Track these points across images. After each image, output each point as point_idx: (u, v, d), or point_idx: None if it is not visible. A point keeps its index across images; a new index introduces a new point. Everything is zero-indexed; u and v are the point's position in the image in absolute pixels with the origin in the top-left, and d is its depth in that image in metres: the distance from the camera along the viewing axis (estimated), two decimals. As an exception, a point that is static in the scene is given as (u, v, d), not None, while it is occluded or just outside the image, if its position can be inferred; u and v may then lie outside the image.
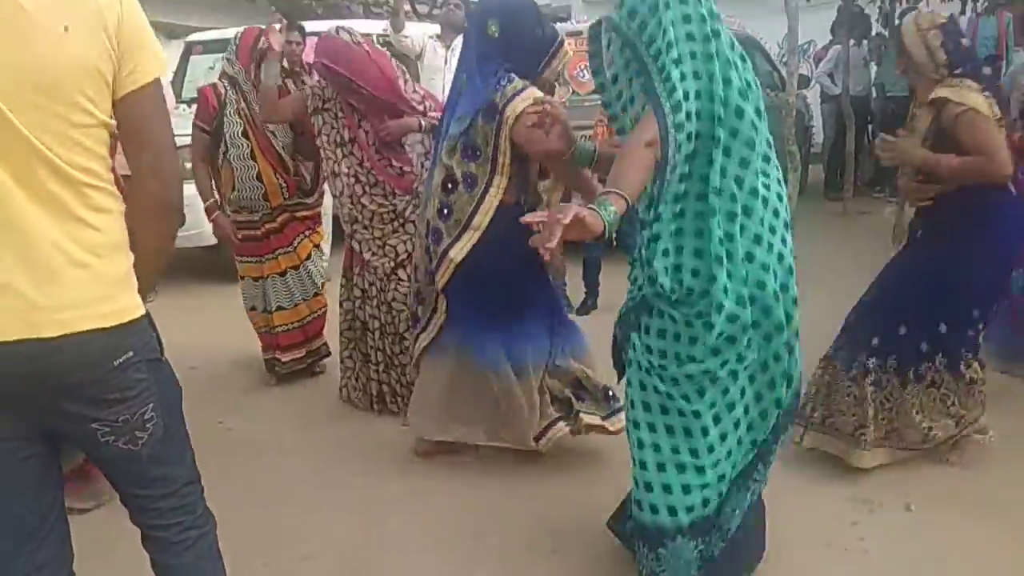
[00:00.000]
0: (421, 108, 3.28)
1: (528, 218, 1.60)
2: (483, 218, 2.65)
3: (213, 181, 3.64)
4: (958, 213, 2.66)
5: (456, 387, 2.85)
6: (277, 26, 3.45)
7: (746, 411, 2.00)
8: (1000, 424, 2.93)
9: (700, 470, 1.95)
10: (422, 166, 3.28)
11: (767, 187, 1.91)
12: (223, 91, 3.54)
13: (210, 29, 7.73)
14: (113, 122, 1.33)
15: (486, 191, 2.65)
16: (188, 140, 3.54)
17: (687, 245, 1.88)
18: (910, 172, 2.81)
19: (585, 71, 6.44)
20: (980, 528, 2.44)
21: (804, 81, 7.51)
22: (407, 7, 5.29)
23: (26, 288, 1.25)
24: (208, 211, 3.59)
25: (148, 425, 1.40)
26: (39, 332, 1.26)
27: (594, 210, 1.62)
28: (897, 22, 8.00)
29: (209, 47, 7.22)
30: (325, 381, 3.88)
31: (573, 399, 2.85)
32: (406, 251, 3.26)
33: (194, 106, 3.80)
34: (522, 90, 2.55)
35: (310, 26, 4.48)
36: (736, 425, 1.98)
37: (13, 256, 1.24)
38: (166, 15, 6.25)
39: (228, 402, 3.65)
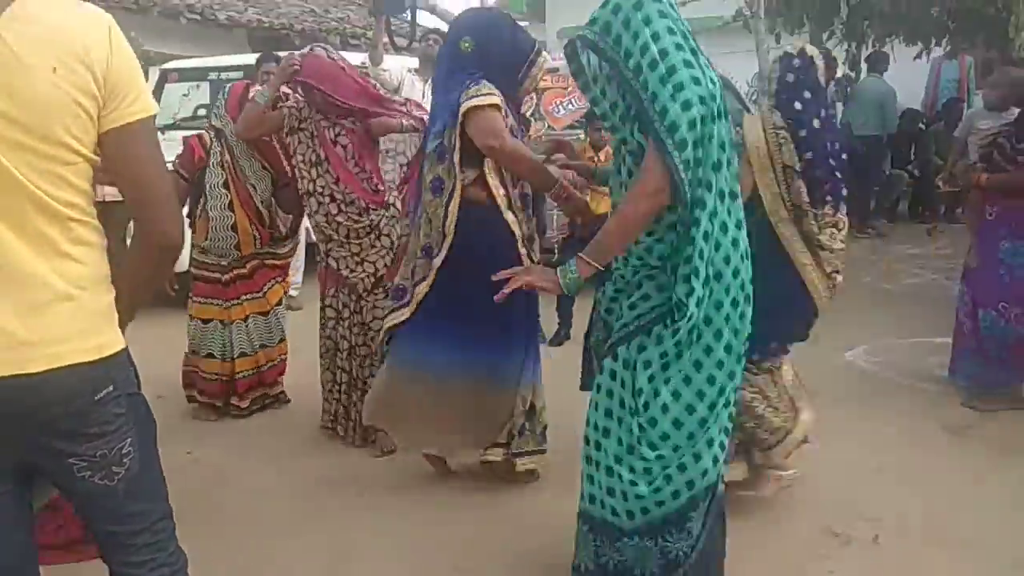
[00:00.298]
0: (404, 109, 3.32)
1: (495, 277, 1.94)
2: (451, 220, 2.68)
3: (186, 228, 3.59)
4: None
5: (429, 399, 2.85)
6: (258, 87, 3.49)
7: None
8: (969, 462, 2.99)
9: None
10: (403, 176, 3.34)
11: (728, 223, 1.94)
12: (209, 141, 3.59)
13: (186, 57, 7.73)
14: (97, 158, 1.33)
15: (451, 195, 2.67)
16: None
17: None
18: None
19: (561, 107, 6.55)
20: (947, 560, 2.48)
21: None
22: (385, 40, 5.32)
23: (12, 324, 1.25)
24: None
25: (125, 460, 1.39)
26: (24, 368, 1.26)
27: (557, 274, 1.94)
28: (863, 64, 8.26)
29: (185, 75, 7.23)
30: (297, 411, 3.84)
31: (517, 434, 2.88)
32: (384, 266, 3.28)
33: (168, 132, 3.80)
34: (485, 94, 2.57)
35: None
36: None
37: (1, 293, 1.24)
38: (143, 43, 6.22)
39: (197, 432, 3.61)
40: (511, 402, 2.86)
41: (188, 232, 3.53)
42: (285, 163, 3.52)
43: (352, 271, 3.29)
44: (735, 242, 1.95)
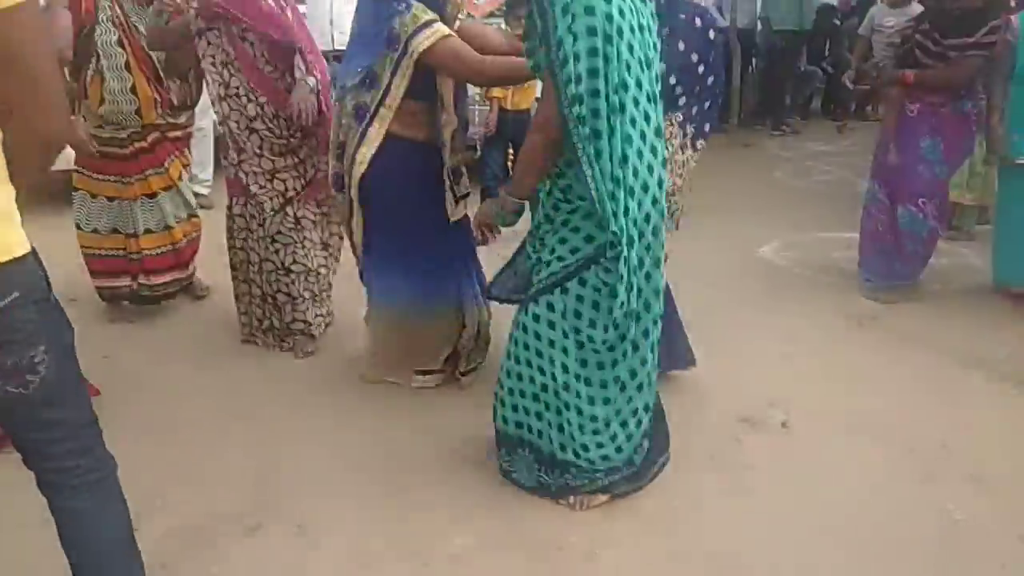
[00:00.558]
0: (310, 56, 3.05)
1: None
2: (367, 149, 2.61)
3: (78, 94, 3.31)
4: None
5: (394, 328, 2.94)
6: None
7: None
8: (872, 350, 3.16)
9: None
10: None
11: (646, 126, 2.01)
12: None
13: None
14: None
15: (371, 121, 2.60)
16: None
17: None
18: None
19: (478, -6, 6.29)
20: (851, 445, 2.66)
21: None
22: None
23: None
24: None
25: (39, 368, 1.33)
26: None
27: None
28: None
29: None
30: (217, 312, 3.74)
31: (463, 353, 2.97)
32: (295, 188, 3.15)
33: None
34: (427, 23, 2.46)
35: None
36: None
37: None
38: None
39: (112, 335, 3.48)
40: (452, 325, 2.91)
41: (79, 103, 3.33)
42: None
43: (261, 187, 3.12)
44: (654, 149, 2.02)
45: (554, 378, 2.17)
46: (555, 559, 2.11)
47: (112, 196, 3.46)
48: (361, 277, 3.02)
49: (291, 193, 3.15)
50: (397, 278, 2.84)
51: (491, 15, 6.16)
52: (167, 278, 3.62)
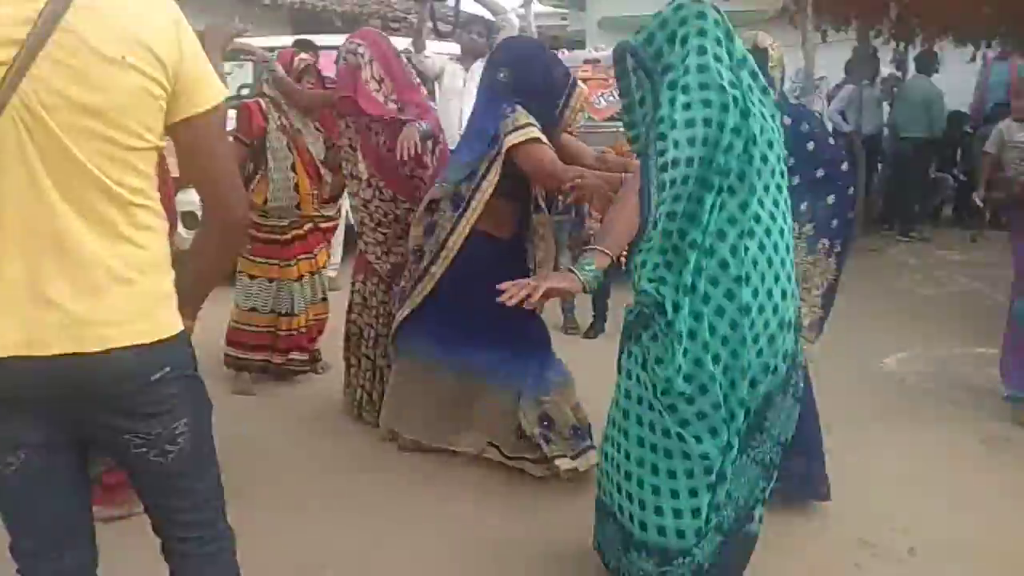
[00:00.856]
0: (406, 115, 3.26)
1: (504, 287, 1.83)
2: (457, 239, 2.76)
3: (255, 181, 3.75)
4: None
5: (429, 392, 3.00)
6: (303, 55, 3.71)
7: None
8: (1007, 477, 2.94)
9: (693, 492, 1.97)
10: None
11: (771, 220, 1.91)
12: (266, 107, 3.68)
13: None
14: (164, 143, 1.36)
15: (463, 213, 2.74)
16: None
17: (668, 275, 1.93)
18: None
19: (602, 98, 6.50)
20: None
21: (817, 117, 7.60)
22: (429, 24, 5.32)
23: (71, 304, 1.28)
24: None
25: (179, 439, 1.43)
26: (82, 347, 1.29)
27: (573, 271, 1.87)
28: (911, 64, 8.10)
29: (227, 55, 7.26)
30: (330, 388, 3.89)
31: (542, 442, 2.88)
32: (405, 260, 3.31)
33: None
34: (523, 126, 2.61)
35: (324, 40, 4.70)
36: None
37: (60, 273, 1.28)
38: (191, 23, 6.27)
39: (236, 406, 3.66)
40: (509, 406, 2.90)
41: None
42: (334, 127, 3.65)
43: (377, 258, 3.37)
44: (762, 246, 1.89)
45: (637, 442, 2.01)
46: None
47: (273, 278, 3.84)
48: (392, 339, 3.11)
49: (403, 263, 3.29)
50: (461, 348, 2.88)
51: (611, 118, 6.35)
52: (299, 355, 3.96)
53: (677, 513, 1.97)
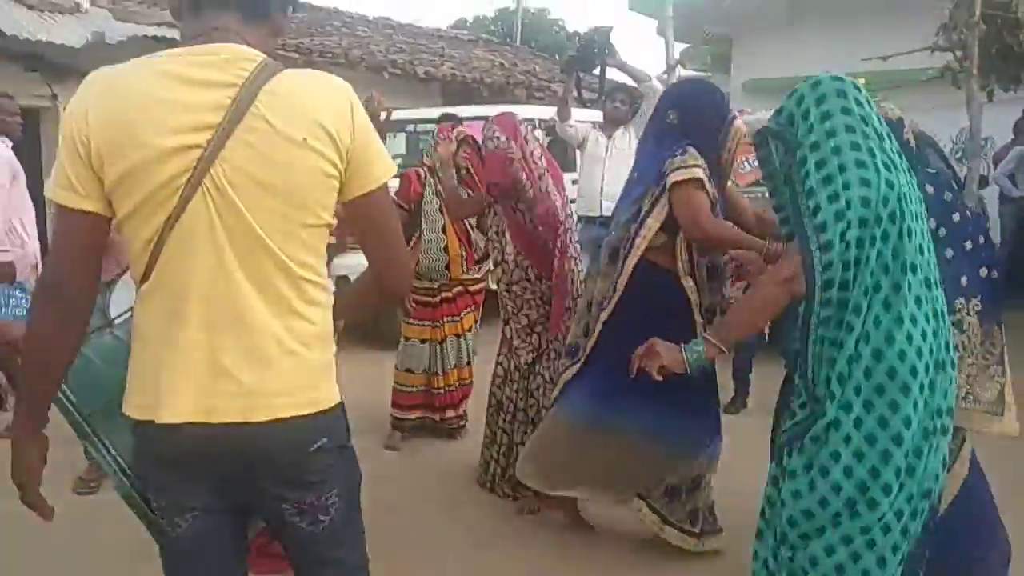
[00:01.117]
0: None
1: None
2: (624, 278, 2.71)
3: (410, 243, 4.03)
4: None
5: (577, 442, 2.85)
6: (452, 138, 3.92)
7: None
8: None
9: None
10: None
11: (920, 317, 1.78)
12: (424, 175, 4.00)
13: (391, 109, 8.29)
14: (334, 221, 1.43)
15: (628, 252, 2.70)
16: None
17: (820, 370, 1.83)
18: None
19: (746, 162, 6.41)
20: None
21: (982, 181, 7.13)
22: (574, 93, 5.46)
23: (245, 374, 1.35)
24: None
25: (331, 509, 1.47)
26: (251, 416, 1.36)
27: (682, 351, 1.96)
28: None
29: (389, 126, 7.75)
30: (469, 452, 3.95)
31: (667, 501, 2.82)
32: (547, 343, 3.34)
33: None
34: (690, 166, 2.59)
35: (471, 111, 5.11)
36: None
37: (236, 344, 1.36)
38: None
39: (378, 468, 3.75)
40: (676, 466, 2.82)
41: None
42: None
43: (522, 340, 3.41)
44: (919, 352, 1.75)
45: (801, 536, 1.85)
46: None
47: (425, 339, 4.07)
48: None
49: (542, 348, 3.35)
50: (615, 395, 2.74)
51: (754, 183, 6.23)
52: (453, 412, 4.15)
53: None
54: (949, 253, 2.30)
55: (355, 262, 3.34)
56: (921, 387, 1.76)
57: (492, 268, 3.57)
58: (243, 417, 1.36)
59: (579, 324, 2.93)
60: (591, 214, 5.38)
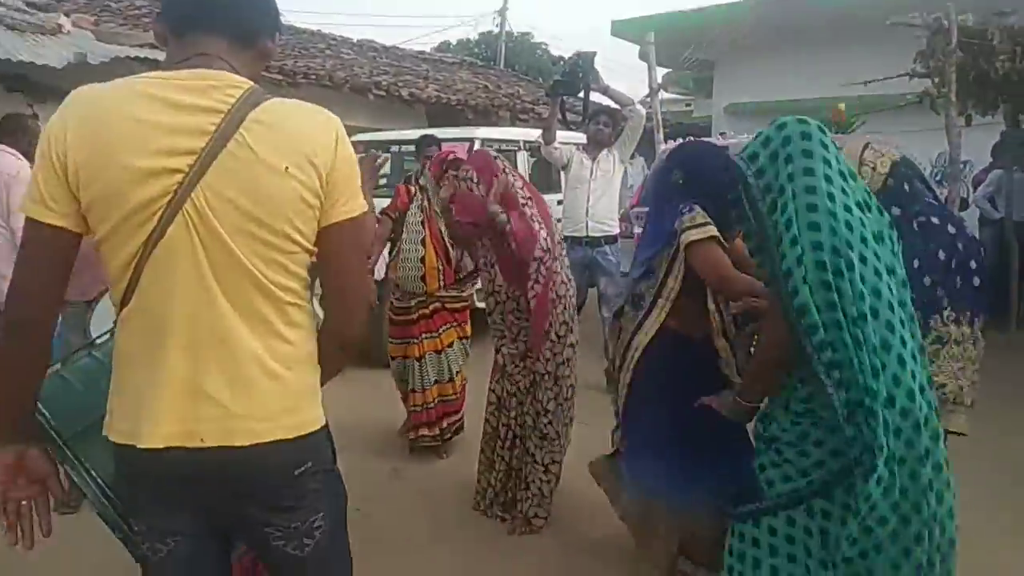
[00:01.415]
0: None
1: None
2: (643, 338, 2.67)
3: (391, 255, 4.30)
4: None
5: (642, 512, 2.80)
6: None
7: None
8: None
9: None
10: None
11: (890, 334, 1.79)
12: (414, 191, 4.13)
13: (372, 130, 8.31)
14: (315, 249, 1.42)
15: (649, 312, 2.68)
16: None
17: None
18: None
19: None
20: None
21: (962, 204, 7.23)
22: (559, 116, 5.50)
23: (225, 398, 1.34)
24: None
25: (316, 532, 1.46)
26: (232, 440, 1.34)
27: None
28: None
29: (368, 147, 7.76)
30: (458, 472, 3.94)
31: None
32: (544, 371, 3.30)
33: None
34: (701, 224, 2.55)
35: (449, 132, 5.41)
36: None
37: (218, 368, 1.34)
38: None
39: (367, 488, 3.73)
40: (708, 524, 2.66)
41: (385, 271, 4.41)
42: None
43: (517, 367, 3.39)
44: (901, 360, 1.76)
45: None
46: None
47: (407, 355, 4.12)
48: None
49: (540, 374, 3.31)
50: (655, 461, 2.68)
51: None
52: (427, 432, 4.11)
53: None
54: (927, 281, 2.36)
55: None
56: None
57: (485, 296, 3.49)
58: (226, 441, 1.34)
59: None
60: (576, 234, 5.41)
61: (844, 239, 1.74)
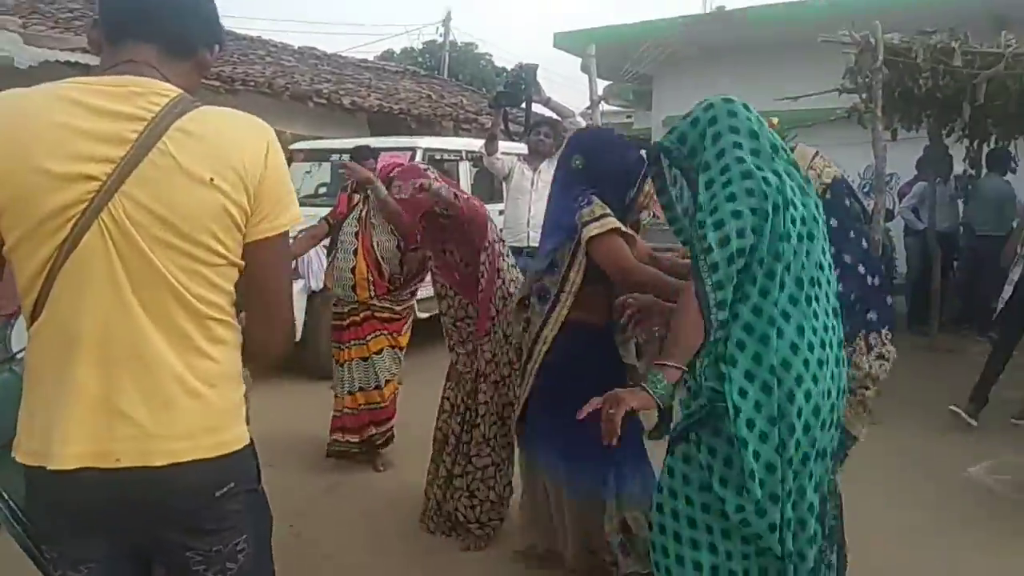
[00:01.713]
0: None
1: (580, 414, 1.85)
2: (549, 332, 2.73)
3: (327, 263, 4.44)
4: None
5: (537, 494, 2.94)
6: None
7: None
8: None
9: None
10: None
11: (820, 317, 1.88)
12: (357, 200, 4.16)
13: (312, 138, 8.22)
14: (242, 263, 1.38)
15: (554, 306, 2.73)
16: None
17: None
18: None
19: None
20: None
21: (887, 215, 7.51)
22: (501, 127, 5.54)
23: (142, 416, 1.29)
24: None
25: (239, 556, 1.41)
26: (149, 460, 1.29)
27: (645, 389, 1.83)
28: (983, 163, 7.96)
29: (309, 155, 7.69)
30: (396, 486, 3.90)
31: (620, 555, 2.77)
32: (486, 370, 3.31)
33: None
34: (600, 217, 2.60)
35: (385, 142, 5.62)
36: None
37: (133, 384, 1.29)
38: (273, 123, 6.71)
39: (301, 504, 3.68)
40: (597, 514, 2.80)
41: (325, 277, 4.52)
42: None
43: (466, 367, 3.39)
44: (811, 345, 1.84)
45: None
46: None
47: (339, 361, 4.14)
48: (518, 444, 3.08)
49: (484, 370, 3.32)
50: (549, 454, 2.82)
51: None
52: (350, 437, 4.11)
53: None
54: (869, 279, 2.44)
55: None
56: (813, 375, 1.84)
57: (438, 300, 3.50)
58: (143, 461, 1.29)
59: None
60: (518, 244, 5.43)
61: (771, 201, 1.81)
